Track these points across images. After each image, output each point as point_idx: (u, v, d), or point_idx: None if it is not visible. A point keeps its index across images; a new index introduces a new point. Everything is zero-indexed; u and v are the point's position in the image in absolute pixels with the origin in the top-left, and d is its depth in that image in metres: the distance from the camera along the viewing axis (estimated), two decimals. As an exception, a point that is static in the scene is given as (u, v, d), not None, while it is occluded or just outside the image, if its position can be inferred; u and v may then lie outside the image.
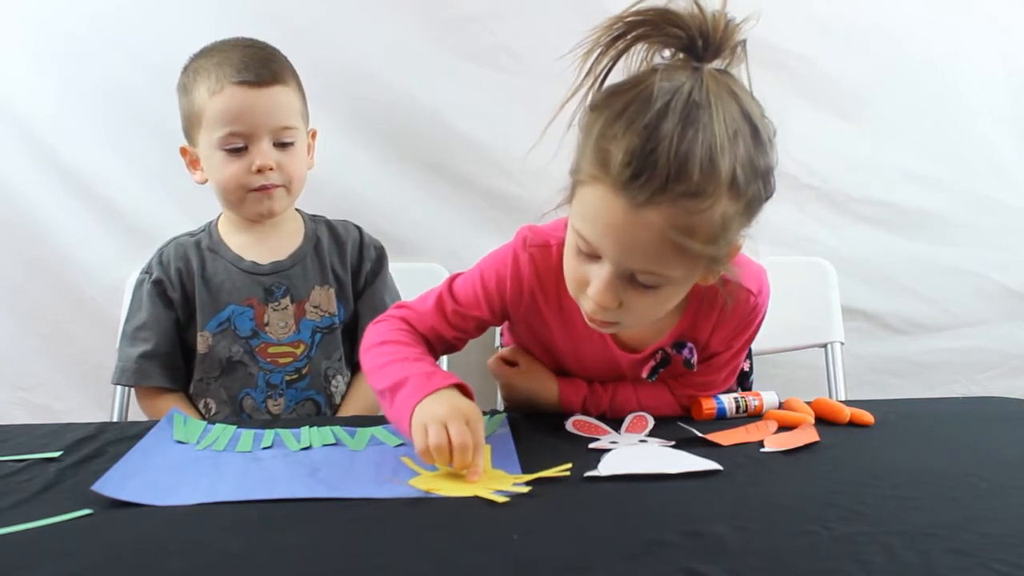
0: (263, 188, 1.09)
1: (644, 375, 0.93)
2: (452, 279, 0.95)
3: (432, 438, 0.71)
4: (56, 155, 1.39)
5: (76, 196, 1.40)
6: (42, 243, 1.41)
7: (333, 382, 1.18)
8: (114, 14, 1.38)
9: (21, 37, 1.38)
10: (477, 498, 0.66)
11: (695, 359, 0.92)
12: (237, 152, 1.08)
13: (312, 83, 1.17)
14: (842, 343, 1.44)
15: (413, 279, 1.27)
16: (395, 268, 1.32)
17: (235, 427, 0.87)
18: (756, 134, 0.72)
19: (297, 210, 1.22)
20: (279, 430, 0.86)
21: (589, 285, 0.77)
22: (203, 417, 1.09)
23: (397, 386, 0.80)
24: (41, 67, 1.38)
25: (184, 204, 1.37)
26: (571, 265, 0.80)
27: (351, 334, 1.20)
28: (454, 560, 0.54)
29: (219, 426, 0.88)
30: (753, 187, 0.72)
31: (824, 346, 1.44)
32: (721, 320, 0.91)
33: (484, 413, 0.90)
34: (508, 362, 1.00)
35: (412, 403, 0.76)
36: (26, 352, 1.43)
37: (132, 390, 1.21)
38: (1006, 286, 1.60)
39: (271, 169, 1.08)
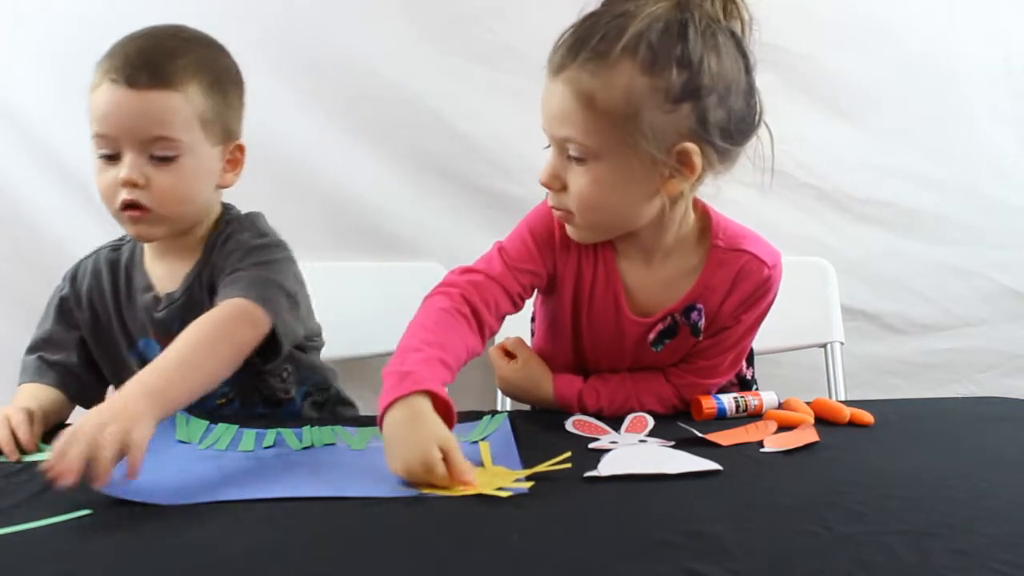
0: (131, 209, 0.92)
1: (649, 341, 0.95)
2: (498, 244, 0.97)
3: (404, 475, 0.69)
4: (56, 155, 1.39)
5: (76, 196, 1.40)
6: (41, 243, 1.40)
7: (276, 381, 1.04)
8: (114, 14, 1.38)
9: (21, 37, 1.38)
10: (477, 498, 0.66)
11: (703, 323, 0.94)
12: (109, 159, 0.92)
13: (312, 82, 1.17)
14: (842, 343, 1.44)
15: (413, 279, 1.26)
16: (395, 268, 1.32)
17: (237, 427, 0.87)
18: (683, 29, 0.79)
19: (223, 206, 1.04)
20: (281, 430, 0.86)
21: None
22: None
23: (385, 376, 0.77)
24: (41, 67, 1.38)
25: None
26: None
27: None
28: (454, 560, 0.54)
29: (221, 426, 0.88)
30: (668, 72, 0.79)
31: (824, 346, 1.44)
32: (734, 287, 0.93)
33: (484, 414, 0.90)
34: (508, 354, 1.01)
35: (382, 409, 0.74)
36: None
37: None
38: (1006, 286, 1.60)
39: (135, 185, 0.90)
